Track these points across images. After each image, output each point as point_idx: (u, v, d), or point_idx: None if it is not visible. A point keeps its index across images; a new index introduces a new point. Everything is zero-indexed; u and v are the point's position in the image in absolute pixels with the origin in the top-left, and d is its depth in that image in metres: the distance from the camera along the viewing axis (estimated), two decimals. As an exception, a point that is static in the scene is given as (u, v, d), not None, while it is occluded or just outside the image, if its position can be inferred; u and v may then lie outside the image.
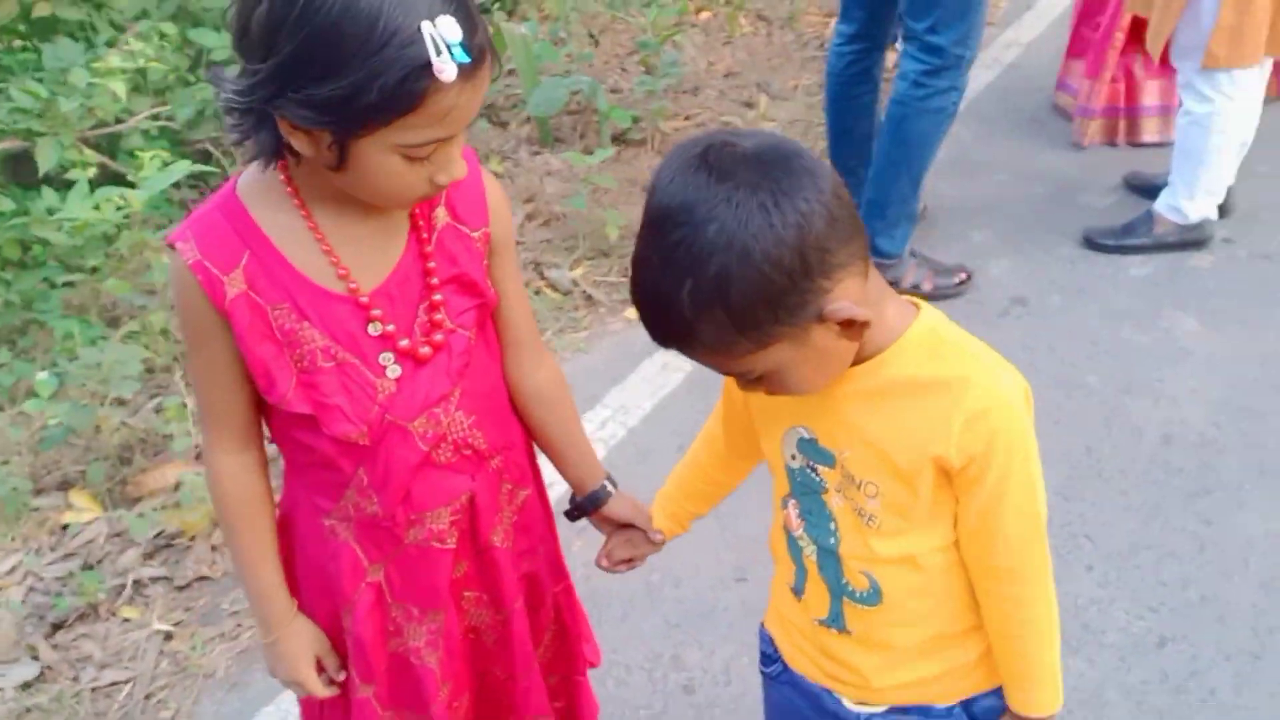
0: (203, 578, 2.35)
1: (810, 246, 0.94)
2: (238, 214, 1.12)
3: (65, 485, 2.63)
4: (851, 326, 0.99)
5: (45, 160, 3.30)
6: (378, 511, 1.24)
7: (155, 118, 3.92)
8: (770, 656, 1.35)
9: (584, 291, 3.29)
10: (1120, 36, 3.81)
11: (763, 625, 1.37)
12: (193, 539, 2.44)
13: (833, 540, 1.16)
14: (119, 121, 3.78)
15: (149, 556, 2.41)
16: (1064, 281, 3.24)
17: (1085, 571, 2.27)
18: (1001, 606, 1.15)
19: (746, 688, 2.05)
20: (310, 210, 1.12)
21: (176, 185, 3.60)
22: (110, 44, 3.97)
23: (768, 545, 1.31)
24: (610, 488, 1.44)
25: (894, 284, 3.13)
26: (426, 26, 0.95)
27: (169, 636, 2.22)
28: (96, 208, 2.78)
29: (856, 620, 1.19)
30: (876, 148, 3.12)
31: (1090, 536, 2.35)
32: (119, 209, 2.94)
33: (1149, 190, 3.50)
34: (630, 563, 1.47)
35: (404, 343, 1.17)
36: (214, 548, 2.42)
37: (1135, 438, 2.63)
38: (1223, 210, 3.40)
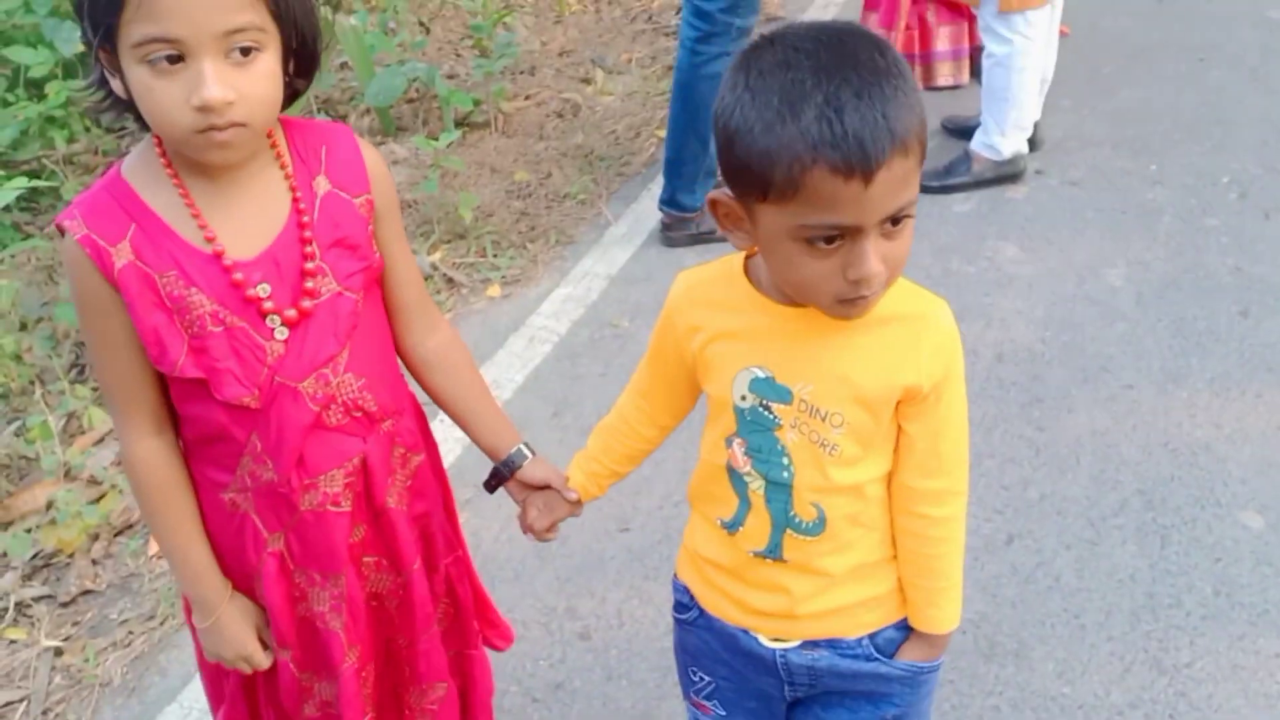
0: (87, 591, 2.34)
1: None
2: (123, 191, 1.16)
3: (-73, 519, 2.57)
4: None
5: None
6: (273, 478, 1.27)
7: (-25, 140, 3.80)
8: (685, 605, 1.38)
9: (444, 275, 3.34)
10: None
11: (675, 576, 1.40)
12: (71, 555, 2.41)
13: (786, 474, 1.20)
14: (-63, 146, 3.66)
15: (28, 578, 2.38)
16: (896, 223, 3.43)
17: (937, 484, 2.45)
18: (927, 529, 1.22)
19: (639, 628, 2.17)
20: (185, 182, 1.17)
21: (7, 208, 3.50)
22: (-81, 67, 3.82)
23: (686, 493, 1.36)
24: (527, 452, 1.45)
25: (708, 234, 3.30)
26: None
27: (59, 652, 2.21)
28: (-70, 232, 2.70)
29: (794, 550, 1.24)
30: (669, 112, 3.26)
31: (939, 452, 2.54)
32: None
33: (964, 131, 3.74)
34: (552, 529, 1.47)
35: (289, 312, 1.21)
36: (94, 561, 2.40)
37: (971, 359, 2.84)
38: (1032, 144, 3.66)
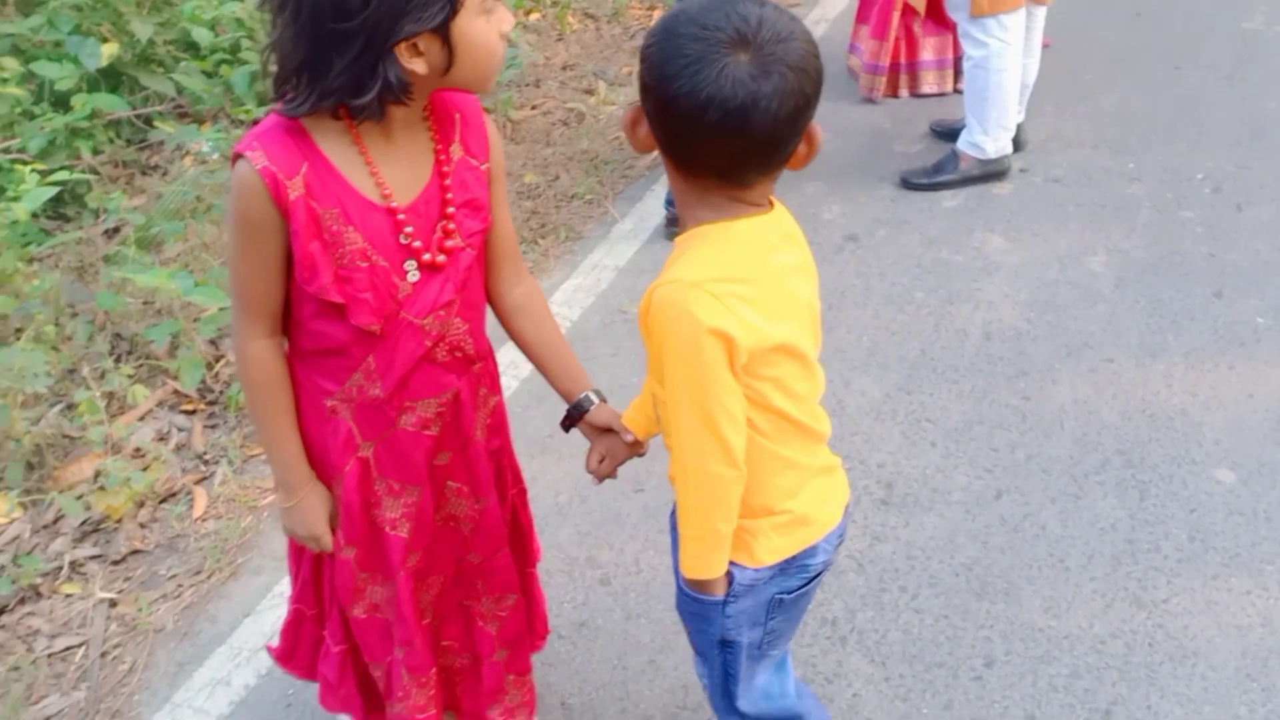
0: (136, 551, 2.49)
1: None
2: (299, 132, 1.32)
3: (-22, 491, 2.72)
4: None
5: (-92, 191, 3.34)
6: (379, 395, 1.46)
7: (6, 150, 3.97)
8: None
9: (458, 269, 3.50)
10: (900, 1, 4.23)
11: None
12: (119, 521, 2.56)
13: None
14: (-31, 156, 3.82)
15: (78, 541, 2.53)
16: (887, 218, 3.62)
17: (930, 447, 2.63)
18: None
19: (655, 574, 2.32)
20: (362, 137, 1.34)
21: (36, 214, 3.66)
22: (-48, 81, 3.99)
23: None
24: (594, 398, 1.62)
25: None
26: None
27: (113, 604, 2.35)
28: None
29: None
30: None
31: (931, 420, 2.72)
32: (-3, 227, 3.02)
33: (952, 134, 3.93)
34: (613, 472, 1.64)
35: (426, 255, 1.39)
36: (142, 525, 2.56)
37: (961, 338, 3.02)
38: (1017, 144, 3.85)
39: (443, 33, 1.24)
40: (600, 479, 1.66)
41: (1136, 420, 2.69)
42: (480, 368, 1.56)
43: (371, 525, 1.56)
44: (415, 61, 1.26)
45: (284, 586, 2.36)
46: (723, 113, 1.17)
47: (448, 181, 1.41)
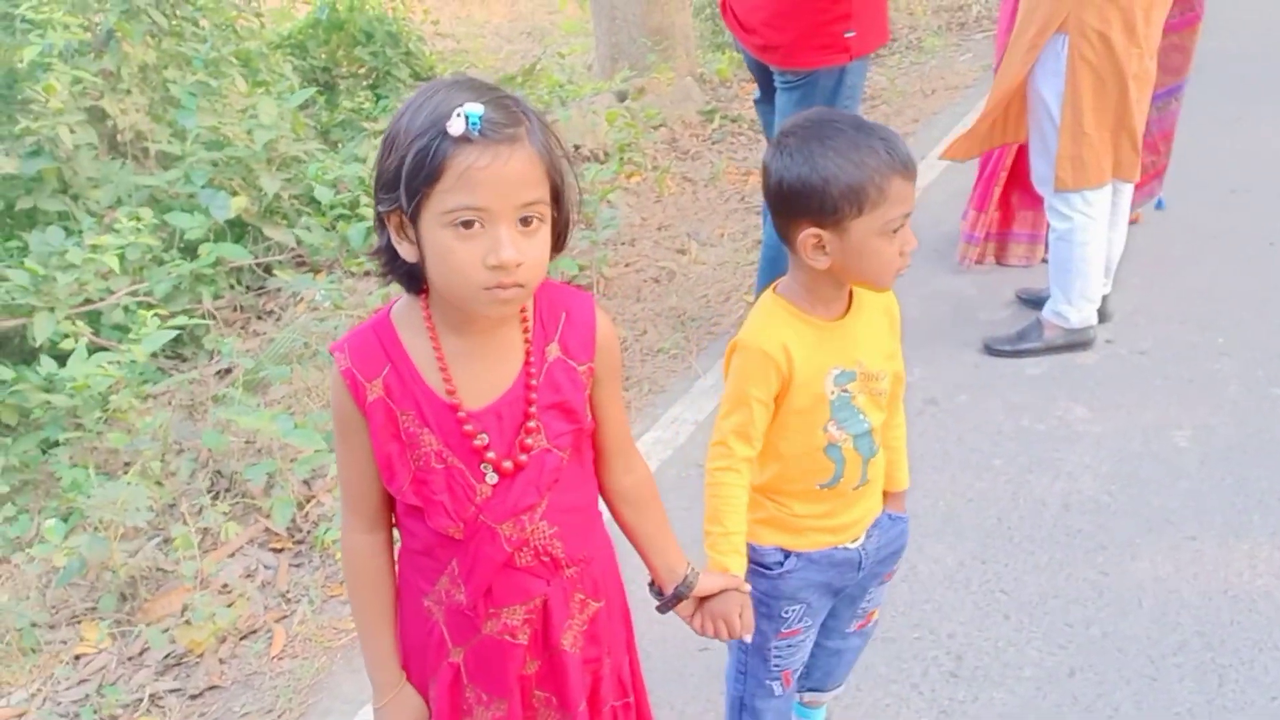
0: (213, 687, 2.57)
1: None
2: (387, 333, 1.37)
3: (75, 620, 2.85)
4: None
5: (42, 332, 3.62)
6: (463, 600, 1.45)
7: (134, 294, 4.26)
8: (775, 562, 1.78)
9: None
10: (1004, 175, 4.30)
11: (755, 547, 1.77)
12: (201, 655, 2.66)
13: (865, 425, 1.72)
14: (101, 299, 4.12)
15: (161, 674, 2.63)
16: (969, 383, 3.64)
17: (1003, 620, 2.59)
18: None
19: (714, 738, 2.32)
20: (440, 336, 1.37)
21: (155, 354, 3.90)
22: (92, 229, 4.33)
23: (764, 489, 1.77)
24: (697, 570, 1.63)
25: None
26: (459, 109, 1.21)
27: (187, 739, 2.44)
28: (100, 368, 3.08)
29: (873, 470, 1.78)
30: (758, 280, 3.60)
31: (1006, 591, 2.68)
32: (116, 369, 3.24)
33: (1037, 302, 3.96)
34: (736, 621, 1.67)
35: (495, 457, 1.38)
36: (221, 661, 2.65)
37: (1039, 508, 2.99)
38: (1103, 315, 3.85)
39: (415, 222, 1.25)
40: (749, 631, 1.69)
41: (1218, 601, 2.61)
42: (577, 572, 1.50)
43: None
44: (402, 244, 1.29)
45: (350, 729, 2.42)
46: None
47: (534, 382, 1.40)
